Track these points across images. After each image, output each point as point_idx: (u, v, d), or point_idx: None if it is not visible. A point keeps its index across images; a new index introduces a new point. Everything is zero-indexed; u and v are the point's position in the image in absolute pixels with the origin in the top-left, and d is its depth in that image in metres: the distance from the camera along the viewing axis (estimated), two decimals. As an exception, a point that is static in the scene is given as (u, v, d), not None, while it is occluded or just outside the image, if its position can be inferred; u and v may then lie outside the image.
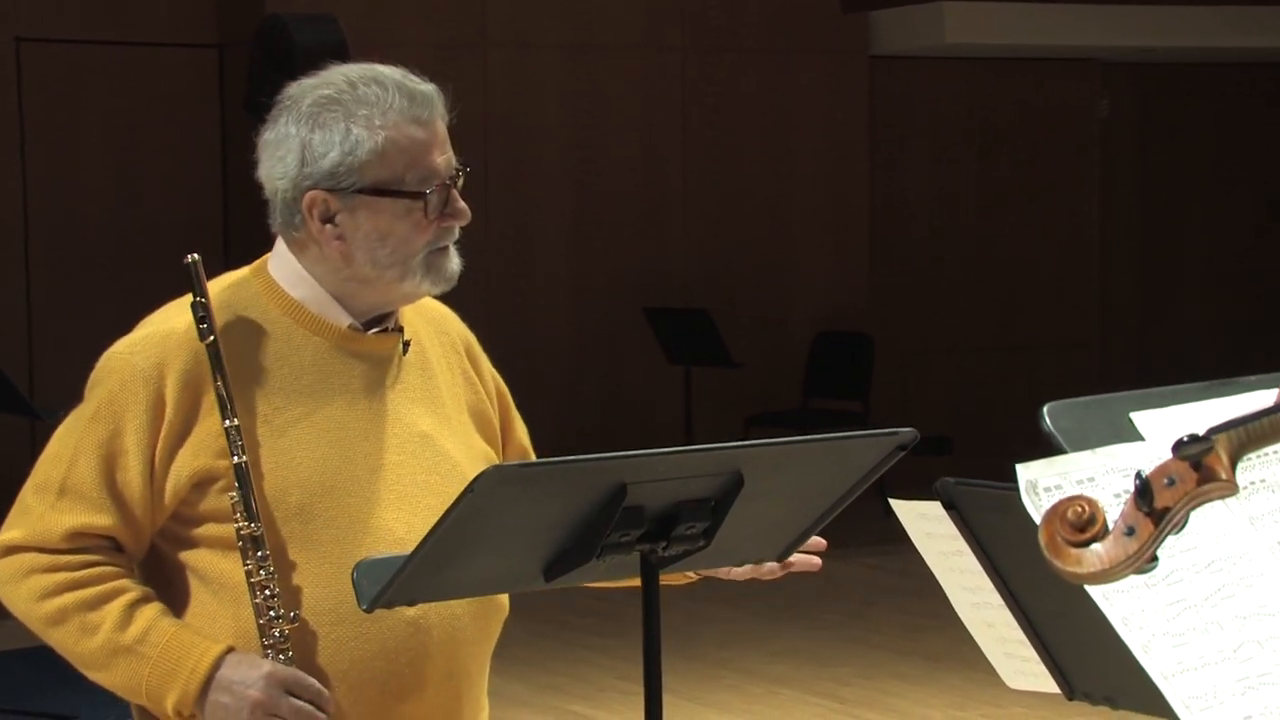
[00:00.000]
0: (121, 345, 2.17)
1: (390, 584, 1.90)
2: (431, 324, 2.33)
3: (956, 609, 1.91)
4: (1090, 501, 1.04)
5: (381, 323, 2.24)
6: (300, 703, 2.08)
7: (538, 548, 1.93)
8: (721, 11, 9.68)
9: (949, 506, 1.63)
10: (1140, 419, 1.22)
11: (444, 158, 2.19)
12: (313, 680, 2.10)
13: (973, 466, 8.20)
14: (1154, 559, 1.03)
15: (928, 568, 1.88)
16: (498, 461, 2.30)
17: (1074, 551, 1.03)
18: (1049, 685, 1.68)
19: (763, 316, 9.71)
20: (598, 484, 1.88)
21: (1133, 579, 1.20)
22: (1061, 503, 1.04)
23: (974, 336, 10.54)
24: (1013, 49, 10.15)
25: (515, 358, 9.26)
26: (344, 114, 2.13)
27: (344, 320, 2.20)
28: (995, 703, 5.69)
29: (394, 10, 8.96)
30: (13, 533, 2.15)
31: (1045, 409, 1.28)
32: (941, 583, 1.95)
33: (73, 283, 8.88)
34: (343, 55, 7.12)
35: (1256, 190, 11.41)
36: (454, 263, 2.20)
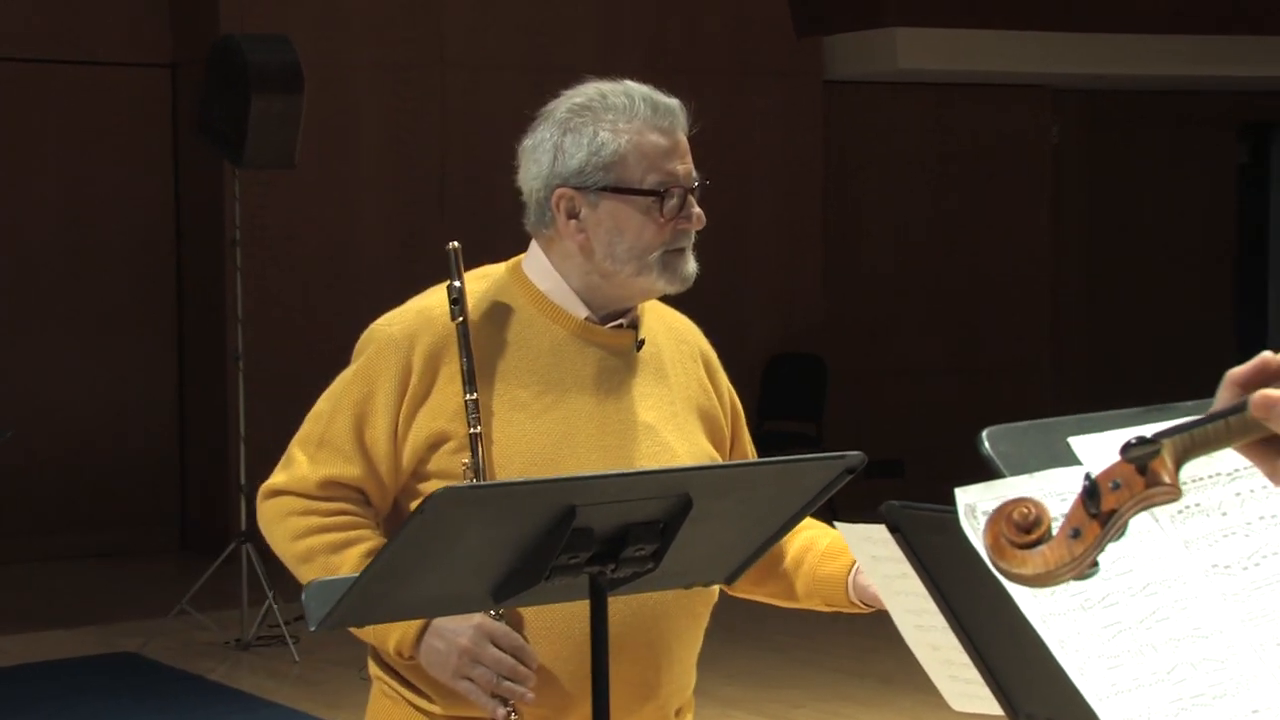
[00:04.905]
0: (384, 318, 2.37)
1: (337, 605, 1.90)
2: (673, 333, 2.49)
3: (901, 631, 1.93)
4: (1037, 504, 1.04)
5: (618, 319, 2.37)
6: (500, 654, 2.20)
7: (486, 569, 1.94)
8: (677, 34, 9.72)
9: (893, 529, 1.64)
10: (1077, 444, 1.24)
11: (684, 166, 2.34)
12: (516, 635, 2.23)
13: (925, 489, 8.23)
14: (1095, 565, 1.03)
15: (876, 590, 1.89)
16: (720, 463, 2.40)
17: (1018, 553, 1.03)
18: (993, 707, 1.69)
19: (716, 338, 9.67)
20: (547, 506, 1.89)
21: (1069, 603, 1.22)
22: (1008, 504, 1.05)
23: (927, 359, 10.59)
24: (965, 75, 10.23)
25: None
26: (593, 119, 2.31)
27: (582, 312, 2.36)
28: (945, 724, 5.71)
29: (350, 31, 8.96)
30: (278, 478, 2.36)
31: (984, 433, 1.29)
32: (887, 605, 1.96)
33: (23, 301, 8.82)
34: (296, 76, 7.15)
35: (1202, 216, 11.52)
36: (690, 265, 2.35)
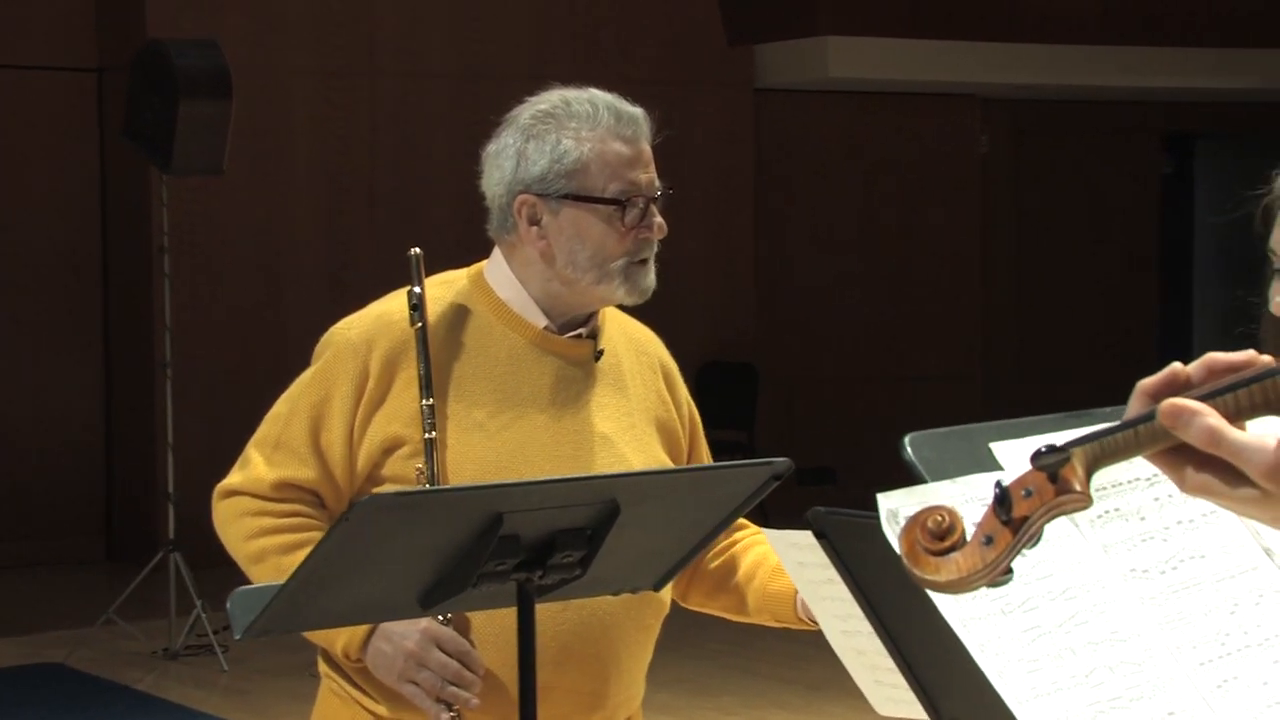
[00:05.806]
0: (343, 322, 2.38)
1: (263, 613, 1.89)
2: (633, 344, 2.47)
3: (828, 637, 1.93)
4: (950, 511, 1.05)
5: (578, 328, 2.37)
6: (446, 658, 2.21)
7: (414, 576, 1.94)
8: (610, 42, 9.73)
9: (819, 535, 1.65)
10: (999, 449, 1.25)
11: (646, 175, 2.36)
12: (463, 640, 2.24)
13: (857, 496, 8.28)
14: (1009, 571, 1.05)
15: (807, 597, 1.89)
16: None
17: (933, 559, 1.04)
18: (917, 711, 1.70)
19: (649, 346, 9.73)
20: (474, 513, 1.88)
21: (989, 607, 1.23)
22: (922, 512, 1.06)
23: (858, 367, 10.64)
24: (895, 84, 10.30)
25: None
26: (556, 126, 2.32)
27: (541, 322, 2.36)
28: (875, 730, 5.74)
29: (281, 37, 8.90)
30: (234, 478, 2.36)
31: (906, 439, 1.30)
32: (814, 611, 1.97)
33: (-53, 308, 8.72)
34: (225, 82, 7.10)
35: (1127, 225, 11.65)
36: (650, 278, 2.36)
